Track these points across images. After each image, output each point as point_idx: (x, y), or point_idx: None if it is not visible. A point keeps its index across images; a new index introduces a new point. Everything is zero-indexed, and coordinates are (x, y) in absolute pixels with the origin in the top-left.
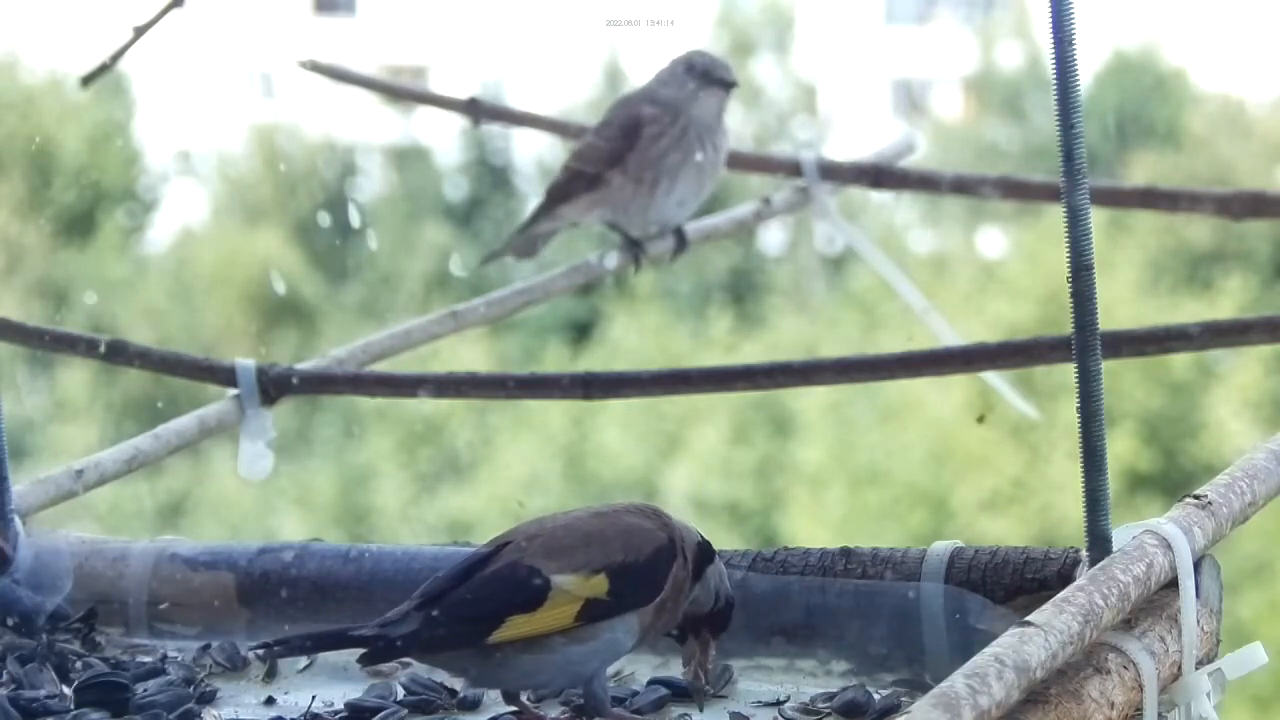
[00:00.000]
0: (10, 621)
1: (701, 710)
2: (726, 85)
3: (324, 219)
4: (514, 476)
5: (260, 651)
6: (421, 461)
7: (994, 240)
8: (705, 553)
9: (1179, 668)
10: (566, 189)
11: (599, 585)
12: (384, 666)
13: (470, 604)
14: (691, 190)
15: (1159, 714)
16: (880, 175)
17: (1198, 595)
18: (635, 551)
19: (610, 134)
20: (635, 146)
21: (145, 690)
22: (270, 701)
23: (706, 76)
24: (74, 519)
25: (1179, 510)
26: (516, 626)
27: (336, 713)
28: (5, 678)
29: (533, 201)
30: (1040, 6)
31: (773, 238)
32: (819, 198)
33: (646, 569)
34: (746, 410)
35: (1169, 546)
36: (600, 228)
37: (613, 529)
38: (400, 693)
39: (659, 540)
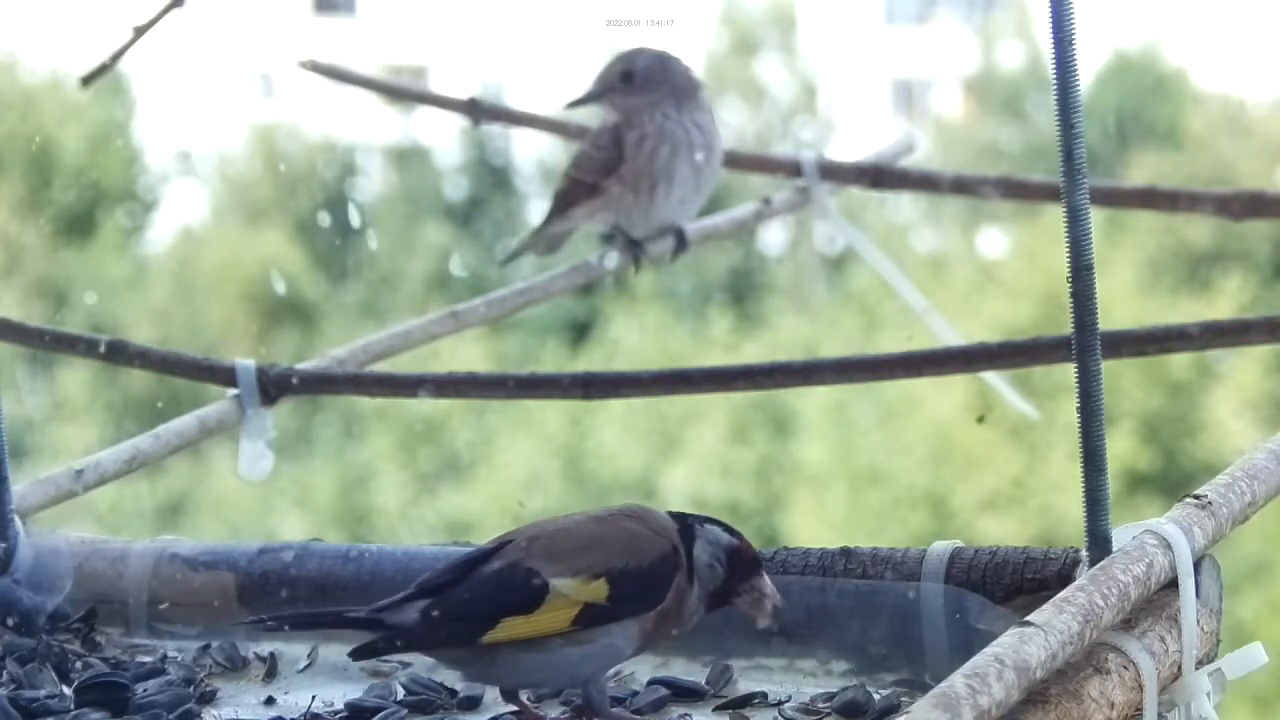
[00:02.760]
0: (10, 621)
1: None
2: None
3: (324, 219)
4: (513, 476)
5: (254, 625)
6: (421, 461)
7: (994, 240)
8: (686, 535)
9: (1179, 668)
10: (570, 196)
11: (598, 590)
12: (384, 666)
13: (467, 602)
14: (691, 187)
15: (1159, 714)
16: (880, 175)
17: (1198, 595)
18: (637, 558)
19: (604, 143)
20: (625, 156)
21: (145, 690)
22: (270, 701)
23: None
24: (74, 519)
25: (1179, 510)
26: (511, 628)
27: (336, 713)
28: (5, 678)
29: (533, 202)
30: (1040, 6)
31: (773, 238)
32: (819, 198)
33: (648, 576)
34: (746, 410)
35: (1169, 546)
36: (605, 228)
37: (615, 534)
38: (400, 693)
39: (663, 548)
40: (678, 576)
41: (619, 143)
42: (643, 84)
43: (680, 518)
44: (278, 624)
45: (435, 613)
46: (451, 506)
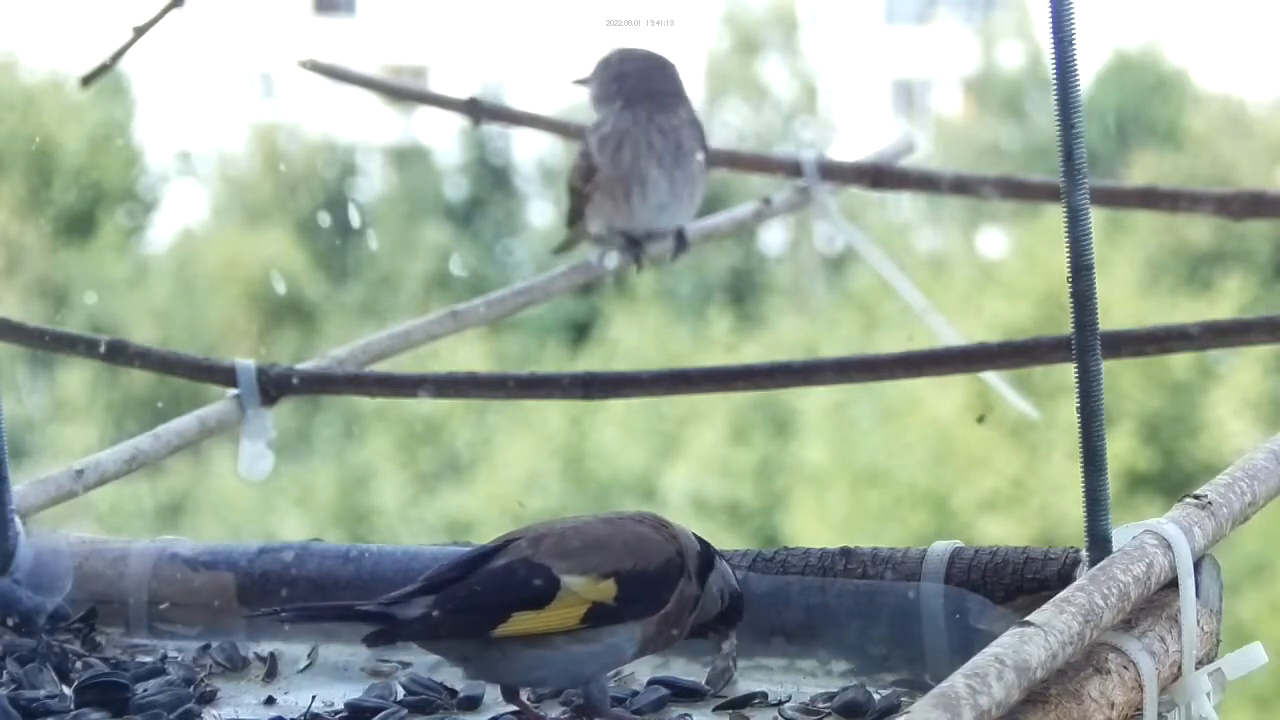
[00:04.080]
0: (10, 621)
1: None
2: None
3: (324, 219)
4: (513, 476)
5: (263, 618)
6: (421, 461)
7: (994, 240)
8: (707, 560)
9: (1179, 668)
10: (575, 206)
11: (607, 590)
12: (384, 666)
13: (478, 595)
14: (665, 192)
15: (1159, 714)
16: (880, 175)
17: (1198, 595)
18: (645, 561)
19: (584, 150)
20: (596, 164)
21: (145, 690)
22: (270, 701)
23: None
24: (74, 519)
25: (1179, 510)
26: (522, 623)
27: (336, 713)
28: (5, 678)
29: (533, 202)
30: (1040, 6)
31: (773, 238)
32: (819, 198)
33: (655, 580)
34: (746, 410)
35: (1169, 546)
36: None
37: (622, 537)
38: (400, 693)
39: (668, 553)
40: (681, 581)
41: (589, 151)
42: (628, 88)
43: (704, 544)
44: (290, 616)
45: (448, 604)
46: (451, 506)
